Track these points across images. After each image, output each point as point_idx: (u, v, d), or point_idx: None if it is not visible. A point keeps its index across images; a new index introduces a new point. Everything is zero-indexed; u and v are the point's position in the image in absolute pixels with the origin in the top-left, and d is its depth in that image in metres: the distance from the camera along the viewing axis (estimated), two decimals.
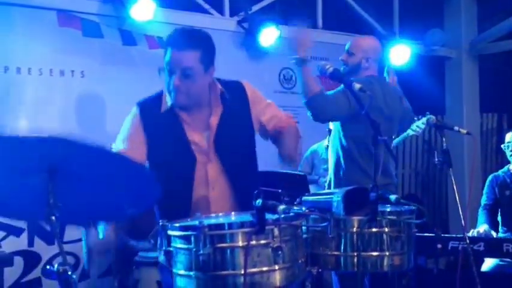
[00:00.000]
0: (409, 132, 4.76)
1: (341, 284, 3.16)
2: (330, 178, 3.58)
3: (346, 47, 3.61)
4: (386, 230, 2.22)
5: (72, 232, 4.24)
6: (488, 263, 3.96)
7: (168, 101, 2.45)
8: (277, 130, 2.59)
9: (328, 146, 4.99)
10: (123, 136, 2.49)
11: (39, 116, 4.27)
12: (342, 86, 3.31)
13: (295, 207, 2.09)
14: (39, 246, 4.20)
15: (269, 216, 1.84)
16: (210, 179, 2.46)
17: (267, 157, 5.03)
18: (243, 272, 1.79)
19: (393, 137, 3.42)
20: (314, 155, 5.22)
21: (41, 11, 4.33)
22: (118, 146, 2.47)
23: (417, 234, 2.38)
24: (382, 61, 3.97)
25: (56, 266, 1.54)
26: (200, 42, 2.40)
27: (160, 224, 1.99)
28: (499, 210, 4.29)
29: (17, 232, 4.13)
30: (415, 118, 4.70)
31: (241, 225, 1.87)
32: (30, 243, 4.20)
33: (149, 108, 2.50)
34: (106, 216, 2.10)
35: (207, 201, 2.45)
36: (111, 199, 1.75)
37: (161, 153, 2.44)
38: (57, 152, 1.54)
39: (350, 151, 3.41)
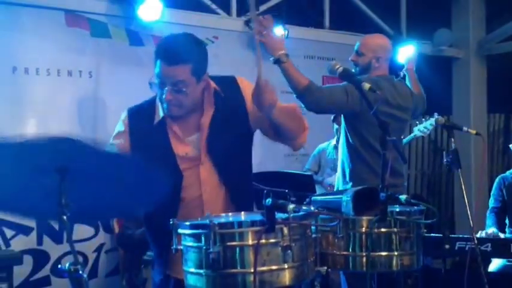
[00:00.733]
0: (416, 133, 4.74)
1: (348, 283, 3.16)
2: (338, 176, 3.57)
3: (356, 47, 3.59)
4: (395, 230, 2.22)
5: (80, 231, 4.27)
6: (495, 264, 3.95)
7: (160, 112, 2.42)
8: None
9: (336, 146, 5.00)
10: (111, 140, 2.48)
11: (47, 116, 4.29)
12: (343, 83, 3.32)
13: (304, 207, 2.10)
14: (48, 245, 4.23)
15: (279, 215, 1.86)
16: (203, 180, 2.43)
17: (269, 157, 5.06)
18: (252, 270, 1.80)
19: (402, 137, 3.40)
20: (322, 154, 5.22)
21: (49, 11, 4.36)
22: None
23: (425, 234, 2.37)
24: (393, 59, 3.95)
25: (67, 265, 1.54)
26: (191, 54, 2.33)
27: (171, 222, 2.00)
28: (507, 211, 4.28)
29: (26, 231, 4.16)
30: (423, 119, 4.69)
31: (251, 223, 1.88)
32: (39, 242, 4.22)
33: (139, 117, 2.47)
34: (117, 215, 2.11)
35: (200, 203, 2.42)
36: (121, 198, 1.75)
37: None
38: (67, 152, 1.54)
39: (356, 149, 3.40)
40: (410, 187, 7.23)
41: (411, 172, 7.31)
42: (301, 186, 4.10)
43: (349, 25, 6.11)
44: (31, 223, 4.10)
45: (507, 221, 4.26)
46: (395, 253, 2.23)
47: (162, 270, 2.49)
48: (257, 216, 1.92)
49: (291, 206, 1.80)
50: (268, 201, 1.78)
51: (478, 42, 6.93)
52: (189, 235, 1.95)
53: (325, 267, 2.18)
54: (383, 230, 2.21)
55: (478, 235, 3.80)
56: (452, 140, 3.15)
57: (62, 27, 4.39)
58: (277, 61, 3.18)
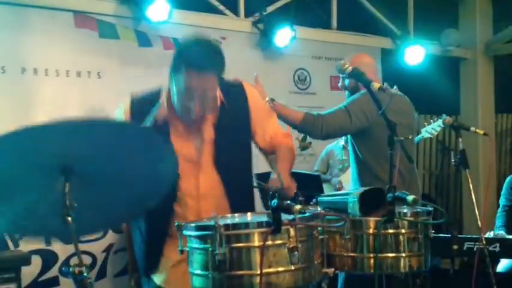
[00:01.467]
0: (424, 134, 4.74)
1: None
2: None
3: (338, 70, 2.95)
4: (403, 231, 2.21)
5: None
6: (504, 264, 3.95)
7: (165, 108, 2.40)
8: (272, 147, 2.57)
9: (344, 146, 5.00)
10: None
11: (55, 117, 4.30)
12: (344, 103, 3.37)
13: (310, 208, 2.10)
14: (57, 245, 4.23)
15: (285, 217, 1.84)
16: (202, 188, 2.42)
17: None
18: (259, 272, 1.79)
19: (410, 137, 3.40)
20: (330, 154, 5.23)
21: (58, 12, 4.38)
22: None
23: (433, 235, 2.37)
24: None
25: (71, 266, 1.54)
26: (218, 61, 2.33)
27: (176, 224, 1.99)
28: None
29: None
30: (430, 120, 4.69)
31: (257, 225, 1.87)
32: (48, 242, 4.23)
33: (142, 107, 2.45)
34: (128, 216, 2.09)
35: (196, 211, 2.41)
36: (130, 195, 1.74)
37: None
38: (72, 143, 1.51)
39: (367, 164, 3.39)
40: None
41: (419, 172, 7.29)
42: (308, 186, 4.10)
43: (357, 26, 6.11)
44: None
45: None
46: (403, 254, 2.21)
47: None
48: (263, 218, 1.91)
49: (297, 207, 1.79)
50: (274, 202, 1.77)
51: (485, 42, 6.91)
52: (195, 237, 1.93)
53: (332, 269, 2.16)
54: (390, 231, 2.20)
55: (486, 235, 3.80)
56: (460, 140, 3.15)
57: (71, 28, 4.41)
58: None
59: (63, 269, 1.57)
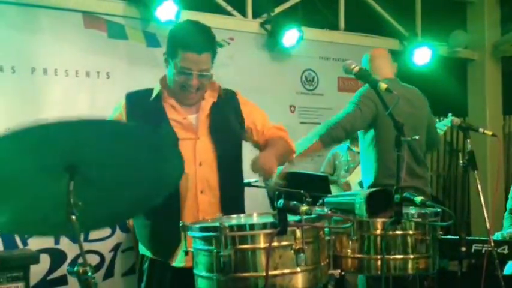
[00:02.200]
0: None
1: (368, 285, 3.14)
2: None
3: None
4: (411, 232, 2.19)
5: (97, 231, 4.30)
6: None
7: (155, 90, 2.54)
8: (266, 139, 2.66)
9: (348, 147, 5.00)
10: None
11: (65, 116, 4.32)
12: (353, 98, 3.39)
13: (317, 209, 2.07)
14: (65, 244, 4.25)
15: (291, 218, 1.82)
16: (198, 155, 2.48)
17: None
18: (264, 274, 1.76)
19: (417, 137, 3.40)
20: (336, 155, 5.22)
21: (67, 12, 4.41)
22: None
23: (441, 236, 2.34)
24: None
25: (76, 266, 1.53)
26: (212, 42, 2.51)
27: (181, 224, 1.98)
28: None
29: None
30: (437, 120, 4.67)
31: (263, 226, 1.84)
32: (57, 241, 4.25)
33: (137, 99, 2.57)
34: (132, 213, 2.09)
35: (194, 179, 2.46)
36: (135, 194, 1.73)
37: None
38: (77, 142, 1.51)
39: (377, 157, 3.41)
40: None
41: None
42: (316, 186, 4.10)
43: (364, 27, 6.11)
44: None
45: None
46: (411, 256, 2.18)
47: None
48: (269, 218, 1.88)
49: (304, 208, 1.76)
50: (280, 202, 1.75)
51: (493, 43, 6.89)
52: (200, 238, 1.91)
53: (339, 270, 2.15)
54: (398, 232, 2.17)
55: (494, 237, 3.79)
56: (469, 141, 3.14)
57: (80, 28, 4.44)
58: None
59: (68, 268, 1.56)
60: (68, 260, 4.25)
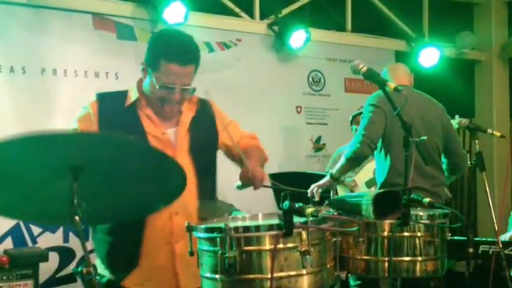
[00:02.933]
0: None
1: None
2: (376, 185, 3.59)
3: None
4: (419, 234, 2.14)
5: None
6: None
7: (132, 96, 2.39)
8: (243, 149, 2.54)
9: None
10: (75, 123, 2.40)
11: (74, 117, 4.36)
12: (367, 103, 3.40)
13: (324, 210, 2.05)
14: (74, 242, 4.29)
15: (297, 219, 1.79)
16: None
17: (290, 158, 5.07)
18: (269, 276, 1.72)
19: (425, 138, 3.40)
20: (341, 155, 5.22)
21: (77, 14, 4.45)
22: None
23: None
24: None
25: (80, 266, 1.53)
26: (198, 54, 2.35)
27: (186, 225, 1.94)
28: None
29: (52, 228, 4.23)
30: None
31: (269, 227, 1.79)
32: (66, 239, 4.29)
33: (110, 102, 2.39)
34: (136, 213, 2.10)
35: None
36: (139, 195, 1.73)
37: None
38: (83, 148, 1.52)
39: (387, 157, 3.42)
40: None
41: None
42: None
43: (371, 28, 6.12)
44: None
45: None
46: (419, 258, 2.14)
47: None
48: (274, 220, 1.84)
49: (310, 210, 1.74)
50: (286, 204, 1.71)
51: (500, 45, 6.88)
52: (204, 239, 1.88)
53: (345, 272, 2.11)
54: (406, 234, 2.13)
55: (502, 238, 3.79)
56: (477, 142, 3.15)
57: (89, 29, 4.48)
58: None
59: (73, 268, 1.56)
60: (77, 258, 4.29)
